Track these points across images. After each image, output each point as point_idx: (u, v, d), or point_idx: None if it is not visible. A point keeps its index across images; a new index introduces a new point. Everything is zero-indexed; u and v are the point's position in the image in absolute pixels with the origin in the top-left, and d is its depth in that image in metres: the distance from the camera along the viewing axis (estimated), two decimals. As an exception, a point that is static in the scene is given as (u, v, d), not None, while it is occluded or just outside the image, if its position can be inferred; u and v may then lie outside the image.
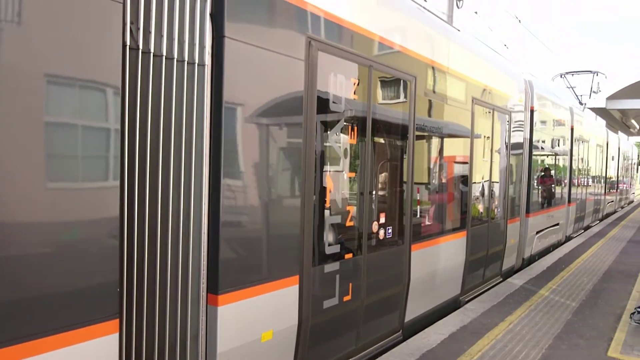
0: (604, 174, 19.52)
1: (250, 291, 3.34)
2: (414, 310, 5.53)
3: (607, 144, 20.26)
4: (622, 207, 27.27)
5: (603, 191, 19.61)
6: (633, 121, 26.75)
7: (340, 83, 4.15)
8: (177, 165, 2.93)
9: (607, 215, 21.34)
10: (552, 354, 5.01)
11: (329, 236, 4.10)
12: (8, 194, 2.17)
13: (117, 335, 2.58)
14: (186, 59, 2.94)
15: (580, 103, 19.95)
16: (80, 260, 2.46)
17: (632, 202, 32.89)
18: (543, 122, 10.45)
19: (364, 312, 4.63)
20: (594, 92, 20.65)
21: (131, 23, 2.64)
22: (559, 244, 12.51)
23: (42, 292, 2.32)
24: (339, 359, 4.43)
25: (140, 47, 2.70)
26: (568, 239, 13.54)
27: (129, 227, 2.69)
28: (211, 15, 3.07)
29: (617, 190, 24.42)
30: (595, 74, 20.65)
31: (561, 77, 21.24)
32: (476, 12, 16.51)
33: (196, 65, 3.00)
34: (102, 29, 2.48)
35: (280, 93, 3.58)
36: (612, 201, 23.16)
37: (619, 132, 28.57)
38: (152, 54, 2.76)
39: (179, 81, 2.92)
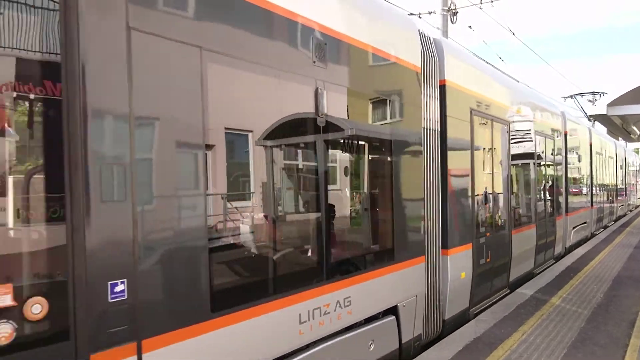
0: (615, 181, 22.46)
1: (458, 249, 6.27)
2: (513, 275, 8.42)
3: (616, 154, 23.23)
4: (631, 211, 30.13)
5: (615, 196, 22.53)
6: (634, 127, 29.19)
7: (481, 132, 7.12)
8: (431, 185, 5.86)
9: (620, 217, 24.18)
10: (570, 362, 5.04)
11: (481, 221, 7.03)
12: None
13: (424, 263, 5.48)
14: (435, 129, 5.90)
15: (589, 119, 23.02)
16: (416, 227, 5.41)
17: (638, 206, 35.80)
18: (573, 142, 13.45)
19: (494, 271, 7.51)
20: (593, 105, 23.67)
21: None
22: (586, 240, 15.38)
23: (411, 240, 5.24)
24: (483, 298, 7.31)
25: (425, 127, 5.68)
26: (592, 235, 16.40)
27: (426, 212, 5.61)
28: (440, 105, 6.05)
29: (625, 195, 27.35)
30: (601, 95, 23.79)
31: (571, 98, 24.40)
32: (470, 27, 18.05)
33: (438, 131, 5.96)
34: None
35: (464, 142, 6.57)
36: (623, 205, 26.07)
37: (620, 138, 31.28)
38: (429, 130, 5.74)
39: (434, 141, 5.88)
